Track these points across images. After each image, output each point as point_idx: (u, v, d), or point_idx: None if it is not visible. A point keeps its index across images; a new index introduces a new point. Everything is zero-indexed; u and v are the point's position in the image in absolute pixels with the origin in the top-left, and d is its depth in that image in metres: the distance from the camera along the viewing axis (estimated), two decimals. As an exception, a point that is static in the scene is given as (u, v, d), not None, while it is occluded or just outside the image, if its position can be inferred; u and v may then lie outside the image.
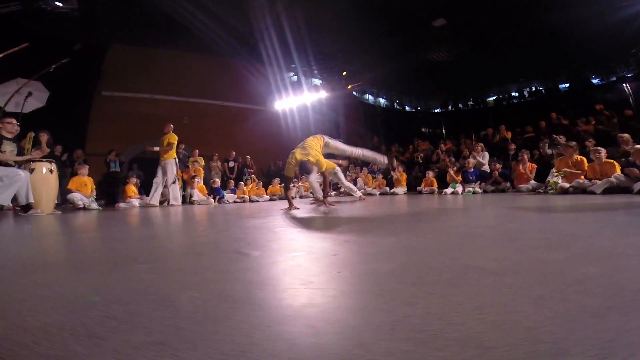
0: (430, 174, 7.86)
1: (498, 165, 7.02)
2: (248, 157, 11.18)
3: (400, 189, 8.07)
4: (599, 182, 4.99)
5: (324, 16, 9.68)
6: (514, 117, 13.48)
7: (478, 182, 7.01)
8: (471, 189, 6.80)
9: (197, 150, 9.06)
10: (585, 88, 12.83)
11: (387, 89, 15.36)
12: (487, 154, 7.81)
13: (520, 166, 6.54)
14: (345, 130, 12.94)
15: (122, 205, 6.74)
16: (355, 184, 9.41)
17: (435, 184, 7.70)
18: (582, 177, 5.40)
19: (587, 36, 10.25)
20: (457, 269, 0.90)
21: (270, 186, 9.70)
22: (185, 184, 8.00)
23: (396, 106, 16.46)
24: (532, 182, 6.37)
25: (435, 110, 17.70)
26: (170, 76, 11.05)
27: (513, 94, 15.52)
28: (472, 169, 7.11)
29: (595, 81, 12.87)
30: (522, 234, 1.52)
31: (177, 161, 6.90)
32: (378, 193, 8.36)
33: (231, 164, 10.66)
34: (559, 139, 7.38)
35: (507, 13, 9.32)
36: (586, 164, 5.46)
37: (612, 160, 5.15)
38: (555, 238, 1.35)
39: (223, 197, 8.33)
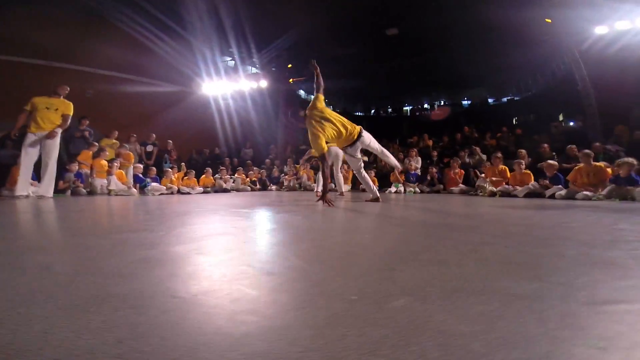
0: (371, 174, 8.20)
1: (434, 169, 7.78)
2: (170, 141, 9.76)
3: (346, 187, 8.20)
4: (520, 188, 6.00)
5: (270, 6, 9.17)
6: (426, 126, 15.22)
7: (417, 183, 7.66)
8: (412, 189, 7.38)
9: (117, 131, 7.46)
10: (482, 106, 15.51)
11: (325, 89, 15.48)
12: (419, 159, 8.58)
13: (452, 171, 7.38)
14: (284, 123, 12.51)
15: (5, 193, 5.02)
16: (299, 179, 9.20)
17: (376, 183, 8.07)
18: (505, 183, 6.41)
19: (489, 64, 12.34)
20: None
21: (202, 176, 8.66)
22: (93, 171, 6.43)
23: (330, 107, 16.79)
24: (461, 185, 7.26)
25: (358, 114, 18.78)
26: (67, 41, 8.66)
27: (425, 105, 17.66)
28: (413, 171, 7.73)
29: (491, 101, 15.61)
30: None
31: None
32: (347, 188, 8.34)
33: (149, 148, 9.15)
34: (476, 150, 8.63)
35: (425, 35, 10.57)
36: (509, 172, 6.50)
37: (528, 171, 6.26)
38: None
39: (146, 185, 7.04)
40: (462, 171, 7.49)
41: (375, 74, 14.99)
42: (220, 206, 3.73)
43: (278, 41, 10.39)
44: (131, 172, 7.04)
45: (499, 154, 6.78)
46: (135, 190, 6.60)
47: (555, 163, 6.04)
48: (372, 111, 18.30)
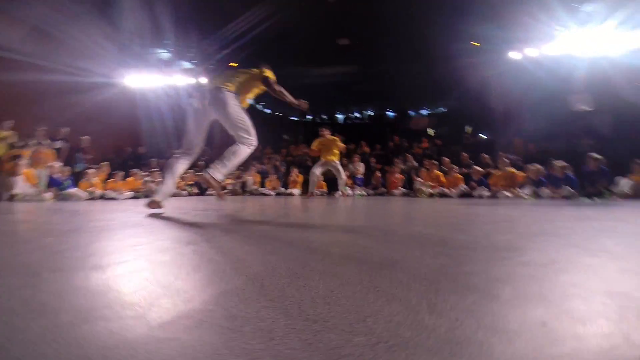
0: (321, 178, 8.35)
1: (378, 174, 8.29)
2: (87, 137, 8.39)
3: (296, 190, 8.15)
4: (454, 190, 6.81)
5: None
6: (357, 134, 16.12)
7: (362, 187, 8.05)
8: (360, 193, 7.72)
9: (12, 121, 6.03)
10: (404, 118, 17.14)
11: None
12: (362, 164, 9.05)
13: (393, 176, 7.98)
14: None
15: None
16: (244, 184, 8.79)
17: (325, 186, 8.25)
18: (439, 186, 7.20)
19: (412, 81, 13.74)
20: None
21: (128, 178, 7.61)
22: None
23: (266, 110, 16.50)
24: (401, 188, 7.89)
25: (293, 118, 18.91)
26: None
27: (357, 115, 18.71)
28: (359, 176, 8.12)
29: (412, 113, 17.31)
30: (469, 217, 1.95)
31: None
32: (274, 193, 8.11)
33: (58, 144, 7.68)
34: (409, 157, 9.49)
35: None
36: (443, 177, 7.32)
37: (460, 175, 7.14)
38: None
39: (64, 189, 5.86)
40: (402, 176, 8.15)
41: (313, 81, 15.32)
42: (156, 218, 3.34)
43: (222, 37, 9.83)
44: (45, 173, 5.79)
45: (434, 161, 7.59)
46: (49, 194, 5.42)
47: (480, 169, 7.03)
48: (308, 117, 18.61)
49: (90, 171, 6.75)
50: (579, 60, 7.90)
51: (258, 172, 8.98)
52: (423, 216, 2.88)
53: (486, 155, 8.28)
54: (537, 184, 6.22)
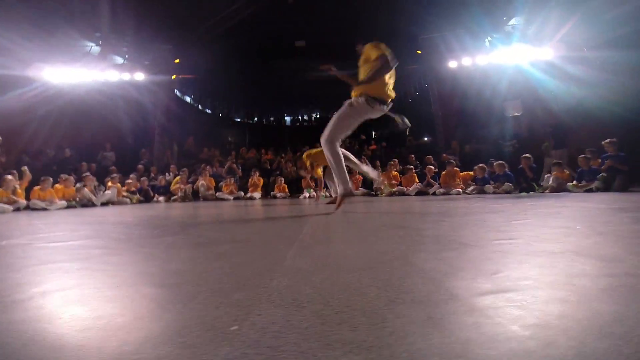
0: (282, 180, 8.19)
1: (339, 175, 8.42)
2: (-3, 138, 7.03)
3: (257, 194, 7.85)
4: (411, 188, 7.27)
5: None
6: (305, 137, 16.26)
7: (325, 188, 8.10)
8: (324, 194, 7.75)
9: None
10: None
11: (200, 90, 14.23)
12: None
13: (353, 177, 8.19)
14: (161, 125, 10.80)
15: None
16: (197, 188, 8.17)
17: (287, 189, 8.12)
18: (397, 185, 7.63)
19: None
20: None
21: (56, 185, 6.50)
22: None
23: (207, 110, 15.57)
24: (361, 188, 8.16)
25: (237, 120, 18.23)
26: None
27: (305, 117, 18.84)
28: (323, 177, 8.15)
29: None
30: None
31: None
32: (232, 198, 7.68)
33: (-44, 149, 6.30)
34: (364, 159, 9.87)
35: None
36: (399, 176, 7.76)
37: (415, 174, 7.65)
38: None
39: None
40: (360, 177, 8.41)
41: (260, 82, 15.02)
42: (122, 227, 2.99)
43: (163, 32, 9.02)
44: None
45: (392, 162, 8.01)
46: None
47: (434, 168, 7.63)
48: (255, 119, 18.14)
49: (8, 177, 5.59)
50: (504, 69, 9.09)
51: (211, 176, 8.44)
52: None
53: (430, 157, 9.03)
54: (482, 181, 6.99)
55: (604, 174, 5.99)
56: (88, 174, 7.24)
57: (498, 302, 0.64)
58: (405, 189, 7.34)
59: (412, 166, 7.89)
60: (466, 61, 9.21)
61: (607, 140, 6.16)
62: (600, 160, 6.36)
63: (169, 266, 1.09)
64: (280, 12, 9.30)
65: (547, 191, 6.33)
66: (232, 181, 8.10)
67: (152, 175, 9.28)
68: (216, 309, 0.66)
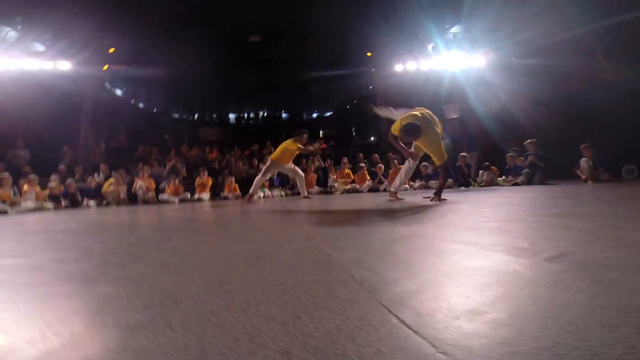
0: (232, 180, 7.79)
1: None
2: None
3: (205, 195, 7.32)
4: (364, 185, 7.50)
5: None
6: (250, 135, 15.82)
7: (279, 187, 7.93)
8: (280, 193, 7.59)
9: None
10: (299, 119, 17.74)
11: (134, 82, 12.84)
12: (274, 163, 8.90)
13: (309, 175, 8.18)
14: (88, 119, 9.50)
15: None
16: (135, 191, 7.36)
17: (238, 189, 7.76)
18: (350, 182, 7.82)
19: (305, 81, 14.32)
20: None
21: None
22: None
23: (140, 104, 14.14)
24: (316, 186, 8.18)
25: (176, 116, 16.94)
26: None
27: (251, 115, 18.20)
28: (275, 177, 7.94)
29: (304, 115, 18.04)
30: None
31: None
32: (177, 200, 7.05)
33: None
34: (316, 158, 9.92)
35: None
36: (352, 174, 7.95)
37: (366, 172, 7.90)
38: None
39: None
40: (316, 175, 8.44)
41: (202, 78, 14.12)
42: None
43: (93, 18, 7.91)
44: None
45: (345, 160, 8.17)
46: None
47: (382, 166, 7.97)
48: (196, 115, 17.00)
49: None
50: (444, 74, 9.89)
51: (150, 177, 7.67)
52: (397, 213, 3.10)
53: (376, 155, 9.45)
54: (427, 177, 7.51)
55: (527, 170, 6.88)
56: (6, 174, 6.05)
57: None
58: (357, 186, 7.54)
59: (363, 164, 8.13)
60: (411, 65, 9.79)
61: (528, 140, 7.09)
62: (522, 157, 7.31)
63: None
64: (235, 3, 8.84)
65: (482, 185, 7.06)
66: (177, 181, 7.46)
67: (78, 176, 8.11)
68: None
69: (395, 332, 0.53)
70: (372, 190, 7.46)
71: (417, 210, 2.66)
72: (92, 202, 7.03)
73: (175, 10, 8.64)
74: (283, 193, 7.74)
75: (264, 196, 7.27)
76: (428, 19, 9.04)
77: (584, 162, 6.35)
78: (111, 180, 7.46)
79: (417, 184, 7.49)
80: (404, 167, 4.28)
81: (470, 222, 1.82)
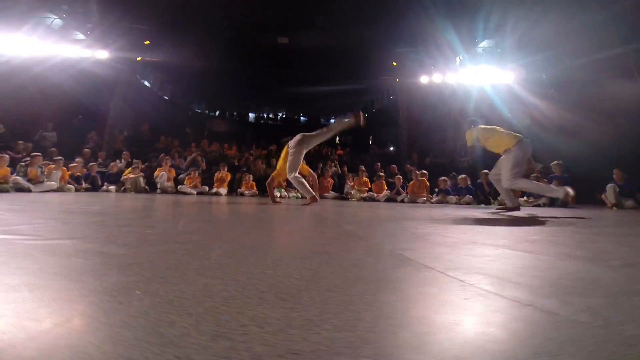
0: (250, 177, 7.85)
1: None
2: None
3: (223, 190, 7.40)
4: (381, 195, 7.43)
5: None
6: (268, 135, 15.93)
7: (296, 189, 7.93)
8: (295, 194, 7.59)
9: None
10: (315, 123, 17.88)
11: (162, 75, 13.17)
12: (292, 165, 8.93)
13: (325, 179, 8.17)
14: (116, 108, 9.77)
15: None
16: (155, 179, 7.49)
17: (255, 187, 7.81)
18: (367, 191, 7.75)
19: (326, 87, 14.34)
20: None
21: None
22: None
23: (165, 97, 14.47)
24: (332, 192, 8.15)
25: (198, 110, 17.25)
26: None
27: (270, 115, 18.43)
28: (292, 177, 7.98)
29: (323, 120, 18.14)
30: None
31: None
32: (195, 192, 7.14)
33: None
34: (334, 163, 9.90)
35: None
36: (369, 183, 7.89)
37: (384, 182, 7.83)
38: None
39: None
40: (332, 180, 8.42)
41: (226, 75, 14.36)
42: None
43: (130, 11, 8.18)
44: None
45: (363, 168, 8.13)
46: None
47: (401, 177, 7.89)
48: (217, 112, 17.30)
49: None
50: (472, 88, 9.78)
51: (172, 167, 7.80)
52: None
53: (394, 166, 9.36)
54: (445, 192, 7.39)
55: (551, 193, 6.68)
56: (38, 153, 6.24)
57: None
58: (375, 195, 7.47)
59: (382, 174, 8.06)
60: (437, 77, 9.72)
61: (555, 162, 6.91)
62: (546, 180, 7.12)
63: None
64: (265, 5, 8.99)
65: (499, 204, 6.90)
66: (197, 174, 7.56)
67: (100, 161, 8.32)
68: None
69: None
70: (389, 200, 7.37)
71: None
72: (112, 187, 7.17)
73: (206, 9, 8.83)
74: (299, 195, 7.72)
75: (280, 196, 7.28)
76: (457, 32, 8.99)
77: (610, 188, 6.19)
78: (131, 168, 7.61)
79: (434, 198, 7.37)
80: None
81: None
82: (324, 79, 13.56)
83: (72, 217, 2.18)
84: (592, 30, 7.42)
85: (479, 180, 7.61)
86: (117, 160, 8.16)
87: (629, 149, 7.02)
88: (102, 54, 8.39)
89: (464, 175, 7.42)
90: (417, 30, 8.96)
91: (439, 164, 10.51)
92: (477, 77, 9.58)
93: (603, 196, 6.35)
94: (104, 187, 7.15)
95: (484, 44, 9.17)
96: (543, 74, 8.57)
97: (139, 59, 9.46)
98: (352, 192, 7.60)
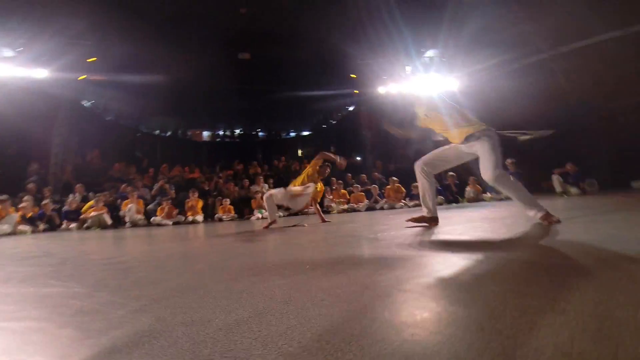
0: (227, 201, 7.56)
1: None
2: None
3: (199, 217, 7.00)
4: (362, 204, 7.66)
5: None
6: (226, 154, 15.51)
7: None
8: (279, 214, 7.46)
9: None
10: (276, 138, 17.75)
11: (106, 94, 12.07)
12: (267, 185, 8.78)
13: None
14: (60, 134, 8.74)
15: None
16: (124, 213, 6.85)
17: (232, 211, 7.54)
18: (346, 203, 7.95)
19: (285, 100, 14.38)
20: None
21: None
22: None
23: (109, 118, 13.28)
24: (311, 207, 8.17)
25: (145, 131, 16.10)
26: None
27: (226, 132, 17.81)
28: (271, 196, 7.85)
29: (284, 134, 18.07)
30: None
31: None
32: (171, 223, 6.65)
33: None
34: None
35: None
36: (347, 194, 8.10)
37: (362, 193, 8.09)
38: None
39: None
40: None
41: (177, 92, 13.66)
42: None
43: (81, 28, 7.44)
44: None
45: (340, 182, 8.31)
46: None
47: (376, 186, 8.23)
48: (169, 132, 16.29)
49: None
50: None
51: (140, 198, 7.21)
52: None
53: (364, 175, 9.74)
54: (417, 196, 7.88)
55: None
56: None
57: None
58: (355, 206, 7.68)
59: (358, 185, 8.32)
60: (392, 87, 10.35)
61: (509, 160, 7.80)
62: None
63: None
64: (227, 20, 8.80)
65: (467, 202, 7.57)
66: (168, 203, 7.06)
67: (48, 195, 7.35)
68: None
69: None
70: (370, 209, 7.64)
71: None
72: (72, 225, 6.40)
73: (159, 22, 8.42)
74: (280, 214, 7.62)
75: (261, 217, 7.13)
76: (406, 43, 9.68)
77: (555, 178, 7.17)
78: (92, 202, 6.88)
79: (411, 202, 7.81)
80: None
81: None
82: (282, 93, 13.59)
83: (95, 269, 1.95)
84: (522, 39, 8.58)
85: (446, 182, 8.27)
86: (72, 195, 7.29)
87: (571, 144, 8.11)
88: (39, 73, 7.47)
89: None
90: (373, 42, 9.47)
91: (403, 169, 11.18)
92: (426, 85, 10.36)
93: (549, 185, 7.34)
94: (64, 226, 6.34)
95: (430, 53, 9.96)
96: (485, 79, 9.61)
97: (81, 77, 8.59)
98: (333, 205, 7.72)
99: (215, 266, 1.66)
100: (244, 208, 7.72)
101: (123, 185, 7.66)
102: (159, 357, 0.65)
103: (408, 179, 8.72)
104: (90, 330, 0.82)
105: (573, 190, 6.84)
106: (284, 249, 2.26)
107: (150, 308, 0.97)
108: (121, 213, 6.77)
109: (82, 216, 6.64)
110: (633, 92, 7.71)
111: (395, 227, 3.24)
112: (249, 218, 7.25)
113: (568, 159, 7.42)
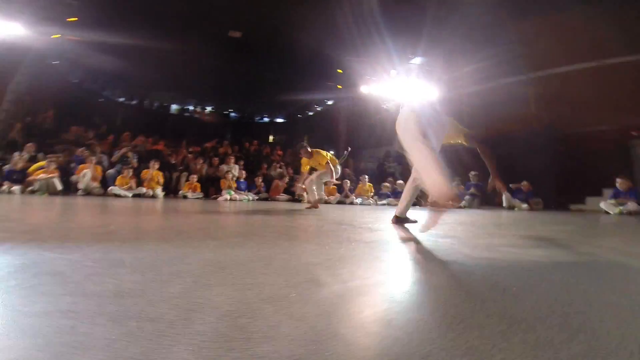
0: (194, 178, 7.24)
1: (260, 179, 8.09)
2: None
3: (158, 191, 6.62)
4: (333, 198, 7.73)
5: None
6: (191, 129, 14.93)
7: (245, 191, 7.62)
8: (246, 197, 7.28)
9: None
10: (249, 121, 17.29)
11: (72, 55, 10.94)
12: (237, 166, 8.52)
13: (279, 182, 8.10)
14: (14, 91, 7.80)
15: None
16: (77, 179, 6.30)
17: (199, 188, 7.25)
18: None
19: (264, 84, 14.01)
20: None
21: None
22: None
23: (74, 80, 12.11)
24: (283, 194, 8.11)
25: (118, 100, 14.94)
26: None
27: (197, 108, 16.98)
28: (243, 180, 7.62)
29: (257, 118, 17.64)
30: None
31: None
32: (130, 195, 6.21)
33: None
34: (278, 165, 9.82)
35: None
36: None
37: (335, 186, 8.14)
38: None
39: None
40: (284, 182, 8.37)
41: (148, 59, 12.75)
42: None
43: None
44: None
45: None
46: None
47: (348, 181, 8.34)
48: (134, 101, 15.18)
49: None
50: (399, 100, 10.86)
51: (98, 164, 6.67)
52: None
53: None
54: (386, 195, 8.13)
55: (469, 197, 8.01)
56: None
57: None
58: (326, 198, 7.72)
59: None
60: (374, 88, 10.49)
61: (473, 172, 8.28)
62: (463, 187, 8.48)
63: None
64: None
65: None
66: (130, 173, 6.61)
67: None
68: None
69: None
70: (340, 202, 7.73)
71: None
72: (15, 188, 5.77)
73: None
74: (250, 197, 7.47)
75: (230, 199, 6.93)
76: (395, 46, 9.85)
77: (505, 195, 7.78)
78: (42, 163, 6.24)
79: (383, 200, 8.03)
80: None
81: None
82: (263, 76, 13.23)
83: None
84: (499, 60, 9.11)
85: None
86: (18, 153, 6.55)
87: (529, 164, 8.71)
88: (16, 29, 6.57)
89: (401, 181, 8.29)
90: (363, 40, 9.51)
91: (370, 169, 11.49)
92: (407, 90, 10.63)
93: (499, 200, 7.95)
94: (4, 187, 5.69)
95: (416, 60, 10.24)
96: (461, 91, 10.08)
97: (55, 36, 7.72)
98: (304, 194, 7.70)
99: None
100: (210, 187, 7.46)
101: (80, 149, 7.03)
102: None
103: (371, 178, 9.00)
104: None
105: (523, 206, 7.45)
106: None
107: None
108: (73, 178, 6.22)
109: (29, 178, 6.01)
110: (590, 122, 8.44)
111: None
112: (215, 198, 7.00)
113: (524, 177, 8.05)
